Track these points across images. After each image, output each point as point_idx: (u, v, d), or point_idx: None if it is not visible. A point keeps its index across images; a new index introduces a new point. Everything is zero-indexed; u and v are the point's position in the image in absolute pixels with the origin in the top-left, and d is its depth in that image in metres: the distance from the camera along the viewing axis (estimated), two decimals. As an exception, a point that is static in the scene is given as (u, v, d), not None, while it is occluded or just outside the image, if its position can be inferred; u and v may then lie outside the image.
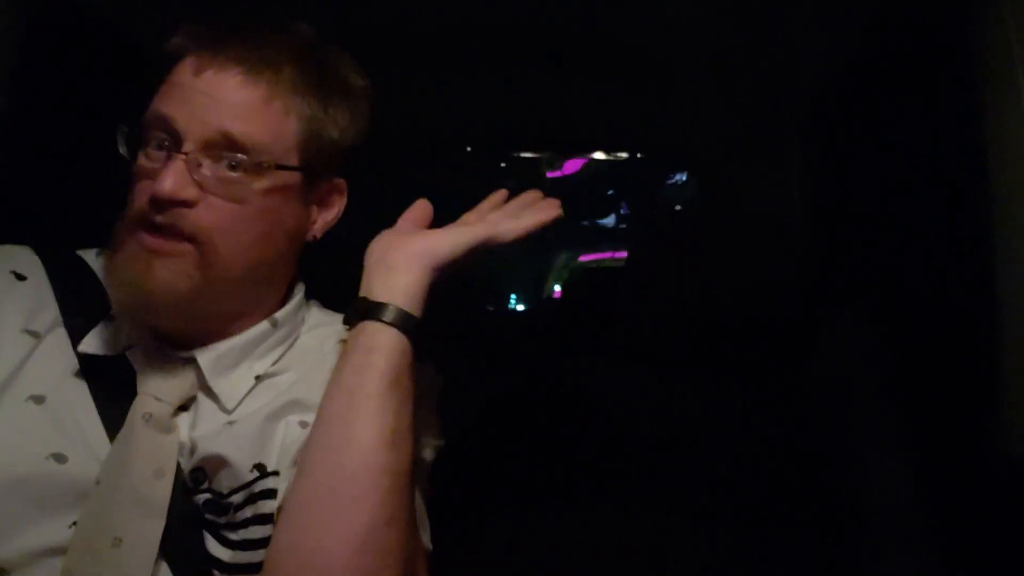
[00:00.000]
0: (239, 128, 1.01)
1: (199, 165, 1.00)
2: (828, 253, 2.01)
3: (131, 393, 1.02)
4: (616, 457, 1.51)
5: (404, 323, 0.97)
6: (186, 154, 0.99)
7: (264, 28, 1.08)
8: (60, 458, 0.97)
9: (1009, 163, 1.20)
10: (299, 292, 1.17)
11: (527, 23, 1.77)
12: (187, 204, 1.00)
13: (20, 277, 1.08)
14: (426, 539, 1.03)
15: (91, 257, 1.15)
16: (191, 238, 1.00)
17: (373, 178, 1.08)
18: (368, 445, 0.91)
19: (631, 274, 1.73)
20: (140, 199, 1.01)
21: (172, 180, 0.98)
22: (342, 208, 1.16)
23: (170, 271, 1.00)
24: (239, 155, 1.01)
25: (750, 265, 1.56)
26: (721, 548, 1.40)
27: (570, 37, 1.85)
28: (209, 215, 1.01)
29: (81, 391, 1.02)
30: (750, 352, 1.54)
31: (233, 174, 1.02)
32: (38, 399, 1.00)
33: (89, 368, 1.04)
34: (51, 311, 1.06)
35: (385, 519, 0.89)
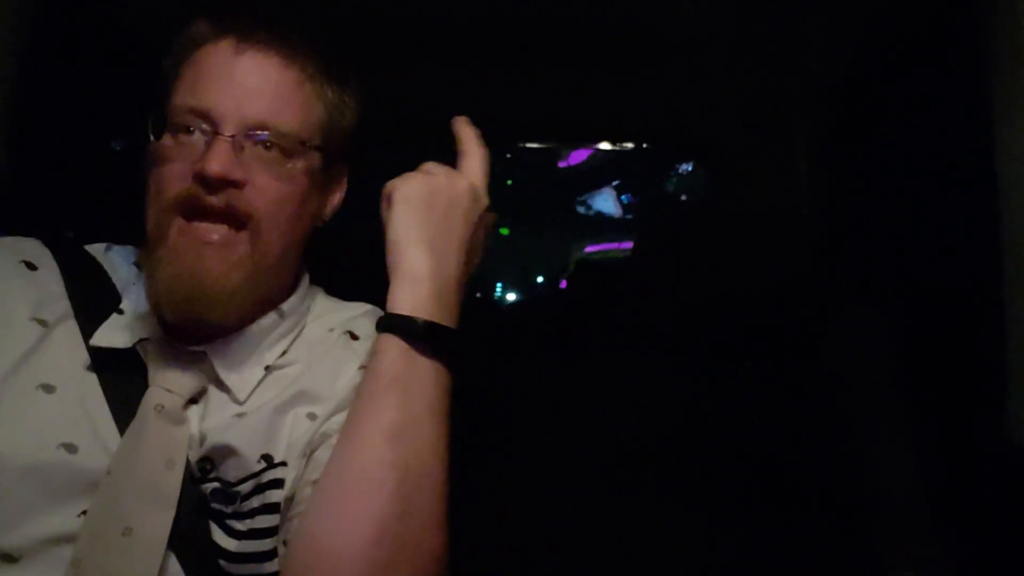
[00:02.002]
0: (276, 112, 1.03)
1: (241, 148, 1.01)
2: (836, 244, 2.00)
3: (141, 386, 1.03)
4: (622, 448, 1.51)
5: (396, 326, 0.96)
6: (232, 136, 1.00)
7: (284, 19, 1.09)
8: (70, 448, 0.98)
9: (1018, 156, 1.20)
10: (304, 281, 1.18)
11: (534, 13, 1.77)
12: (236, 185, 1.01)
13: (31, 267, 1.08)
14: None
15: (99, 252, 1.16)
16: (245, 220, 1.02)
17: (380, 168, 1.08)
18: (370, 440, 0.92)
19: (637, 264, 1.73)
20: (176, 184, 1.01)
21: (221, 160, 0.99)
22: (343, 193, 1.17)
23: (224, 262, 1.01)
24: (276, 137, 1.03)
25: (757, 256, 1.56)
26: (729, 538, 1.41)
27: (576, 27, 1.85)
28: (257, 197, 1.02)
29: (91, 382, 1.03)
30: (758, 343, 1.54)
31: (271, 154, 1.03)
32: (48, 388, 1.00)
33: (100, 360, 1.04)
34: (61, 302, 1.07)
35: (398, 512, 0.90)
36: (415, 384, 0.95)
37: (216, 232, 1.01)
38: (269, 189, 1.03)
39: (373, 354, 0.97)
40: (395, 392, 0.94)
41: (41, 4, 1.36)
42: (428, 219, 0.99)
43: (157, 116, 1.04)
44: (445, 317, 0.98)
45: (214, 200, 1.00)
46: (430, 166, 1.03)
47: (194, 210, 1.00)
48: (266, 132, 1.02)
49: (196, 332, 1.06)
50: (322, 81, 1.09)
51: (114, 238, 1.19)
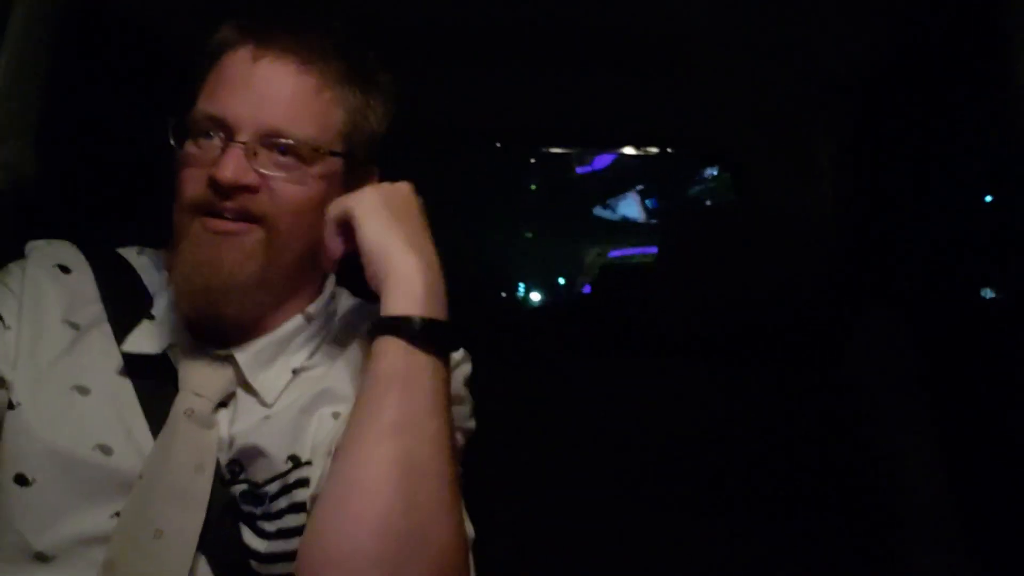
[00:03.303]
0: (292, 119, 1.04)
1: (255, 154, 1.03)
2: (860, 249, 1.99)
3: (173, 390, 1.04)
4: (646, 452, 1.51)
5: (394, 327, 0.98)
6: (244, 143, 1.02)
7: (306, 23, 1.10)
8: (106, 449, 1.00)
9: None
10: (330, 284, 1.19)
11: (557, 18, 1.77)
12: (250, 190, 1.03)
13: (65, 270, 1.11)
14: (469, 527, 1.03)
15: (132, 255, 1.18)
16: (259, 220, 1.04)
17: (404, 173, 1.09)
18: (373, 438, 0.93)
19: (662, 270, 1.73)
20: (195, 187, 1.04)
21: (233, 166, 1.01)
22: None
23: (239, 252, 1.03)
24: (292, 143, 1.04)
25: (782, 260, 1.55)
26: (753, 544, 1.40)
27: (600, 32, 1.85)
28: (272, 200, 1.04)
29: (125, 386, 1.05)
30: (782, 348, 1.53)
31: (287, 160, 1.04)
32: (83, 390, 1.02)
33: (132, 365, 1.06)
34: (94, 306, 1.09)
35: (403, 507, 0.91)
36: (416, 381, 0.97)
37: (231, 225, 1.03)
38: (283, 193, 1.04)
39: (373, 357, 0.98)
40: (396, 391, 0.95)
41: (69, 8, 1.38)
42: (398, 223, 1.02)
43: (179, 122, 1.06)
44: (438, 312, 1.00)
45: (228, 205, 1.02)
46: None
47: (211, 212, 1.03)
48: (281, 139, 1.03)
49: (223, 335, 1.08)
50: (344, 86, 1.09)
51: (142, 241, 1.20)
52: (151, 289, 1.14)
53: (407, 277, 0.99)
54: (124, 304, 1.10)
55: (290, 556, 1.00)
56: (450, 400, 0.99)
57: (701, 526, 1.43)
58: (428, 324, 0.98)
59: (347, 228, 1.04)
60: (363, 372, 1.03)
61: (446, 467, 0.95)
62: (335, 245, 1.05)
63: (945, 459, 1.42)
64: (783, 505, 1.44)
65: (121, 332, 1.07)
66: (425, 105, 2.12)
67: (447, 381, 0.99)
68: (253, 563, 1.01)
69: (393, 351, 0.97)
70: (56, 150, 1.44)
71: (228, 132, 1.03)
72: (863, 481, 1.45)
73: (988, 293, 1.50)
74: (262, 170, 1.03)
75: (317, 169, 1.07)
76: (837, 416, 1.50)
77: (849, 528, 1.40)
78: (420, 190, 1.09)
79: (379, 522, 0.90)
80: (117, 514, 0.98)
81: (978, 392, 1.46)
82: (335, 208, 1.05)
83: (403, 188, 1.07)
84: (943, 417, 1.46)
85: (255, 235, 1.03)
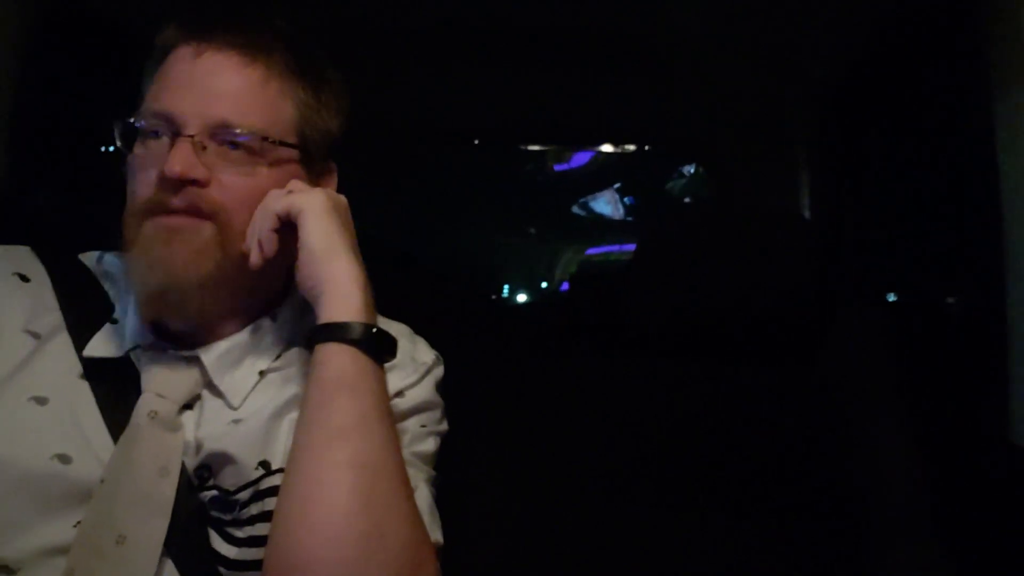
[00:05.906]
0: (239, 111, 1.03)
1: (204, 147, 1.01)
2: (838, 249, 2.00)
3: (134, 395, 1.03)
4: (621, 452, 1.51)
5: (336, 334, 0.99)
6: (192, 136, 1.01)
7: (248, 19, 1.09)
8: (65, 459, 0.97)
9: (1019, 157, 1.20)
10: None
11: (535, 17, 1.77)
12: (198, 184, 1.01)
13: (24, 279, 1.09)
14: (436, 532, 1.03)
15: (91, 261, 1.16)
16: (210, 216, 1.02)
17: (383, 171, 1.09)
18: (321, 442, 0.94)
19: (639, 267, 1.73)
20: (145, 188, 1.02)
21: (182, 160, 0.99)
22: (334, 189, 1.16)
23: (192, 248, 1.01)
24: (241, 135, 1.03)
25: (760, 258, 1.56)
26: (730, 543, 1.41)
27: (578, 30, 1.85)
28: (223, 194, 1.02)
29: (84, 393, 1.03)
30: (760, 347, 1.54)
31: (237, 154, 1.03)
32: (41, 400, 1.00)
33: (92, 371, 1.04)
34: (53, 314, 1.07)
35: (358, 508, 0.91)
36: (361, 386, 0.97)
37: (181, 220, 1.01)
38: (234, 186, 1.03)
39: (316, 363, 0.98)
40: (342, 396, 0.96)
41: (44, 6, 1.36)
42: (341, 228, 1.03)
43: (126, 125, 1.05)
44: (374, 319, 1.01)
45: (176, 201, 1.00)
46: (301, 184, 1.07)
47: (161, 212, 1.01)
48: (229, 131, 1.02)
49: (188, 337, 1.06)
50: (291, 78, 1.08)
51: (105, 245, 1.18)
52: (112, 294, 1.12)
53: (350, 283, 1.00)
54: (83, 311, 1.08)
55: (260, 564, 0.99)
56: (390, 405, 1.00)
57: (680, 525, 1.43)
58: (370, 330, 0.99)
59: (286, 226, 1.03)
60: (306, 379, 1.02)
61: (396, 467, 0.96)
62: (271, 241, 1.02)
63: (922, 459, 1.43)
64: (760, 504, 1.44)
65: (81, 338, 1.05)
66: (403, 104, 2.12)
67: (386, 388, 1.01)
68: (222, 570, 0.99)
69: (339, 356, 0.97)
70: (25, 153, 1.43)
71: (175, 128, 1.01)
72: (839, 481, 1.46)
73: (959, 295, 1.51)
74: (211, 164, 1.01)
75: (269, 161, 1.05)
76: (814, 415, 1.51)
77: (825, 527, 1.41)
78: (397, 189, 1.08)
79: (336, 527, 0.90)
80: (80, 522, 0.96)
81: (955, 392, 1.48)
82: (277, 202, 1.03)
83: (343, 199, 1.07)
84: (920, 417, 1.47)
85: (207, 231, 1.02)
